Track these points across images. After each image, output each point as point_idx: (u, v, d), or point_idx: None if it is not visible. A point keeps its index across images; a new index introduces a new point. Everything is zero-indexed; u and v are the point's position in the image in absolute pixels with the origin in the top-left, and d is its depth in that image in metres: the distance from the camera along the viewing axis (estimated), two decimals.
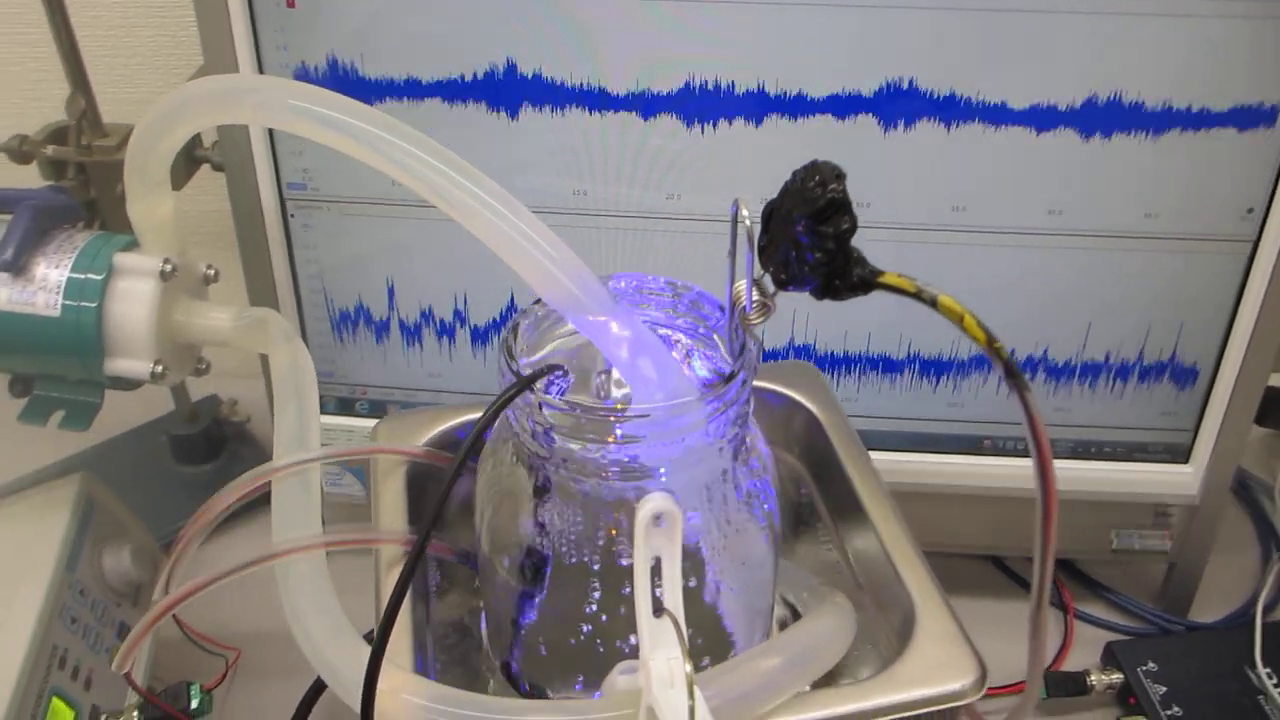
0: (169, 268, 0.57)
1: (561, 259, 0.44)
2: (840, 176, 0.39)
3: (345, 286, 0.70)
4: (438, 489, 0.43)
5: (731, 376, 0.43)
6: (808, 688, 0.44)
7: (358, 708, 0.41)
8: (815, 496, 0.58)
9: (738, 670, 0.42)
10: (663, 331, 0.48)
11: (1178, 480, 0.71)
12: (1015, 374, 0.40)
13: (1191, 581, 0.74)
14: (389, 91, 0.63)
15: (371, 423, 0.60)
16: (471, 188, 0.44)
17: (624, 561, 0.43)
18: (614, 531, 0.43)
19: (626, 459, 0.42)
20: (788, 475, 0.60)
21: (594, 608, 0.44)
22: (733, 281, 0.43)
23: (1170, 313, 0.67)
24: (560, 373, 0.45)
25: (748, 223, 0.40)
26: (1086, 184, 0.63)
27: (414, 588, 0.50)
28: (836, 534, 0.56)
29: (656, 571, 0.39)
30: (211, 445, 0.87)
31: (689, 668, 0.38)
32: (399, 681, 0.42)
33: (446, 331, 0.71)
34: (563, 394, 0.46)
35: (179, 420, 0.87)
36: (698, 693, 0.37)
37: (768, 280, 0.42)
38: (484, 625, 0.52)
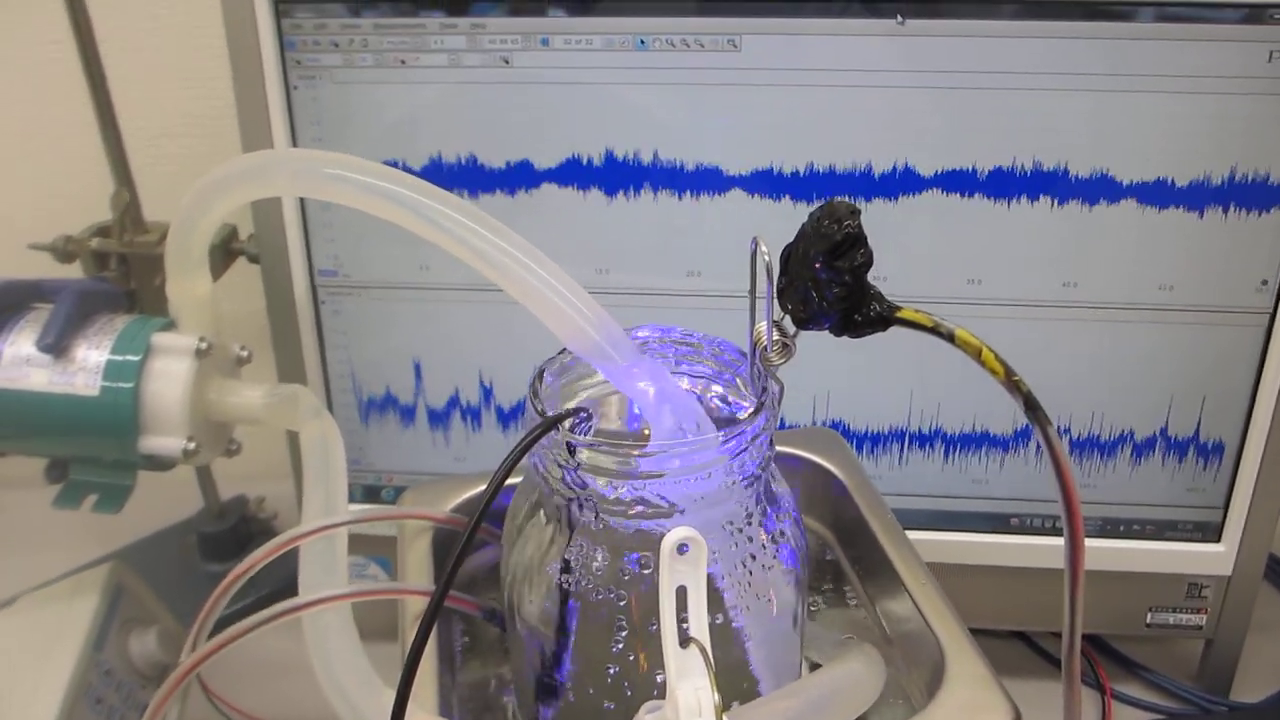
0: (204, 345, 0.59)
1: (586, 308, 0.45)
2: (855, 213, 0.41)
3: (372, 372, 0.72)
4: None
5: (756, 411, 0.43)
6: None
7: None
8: (840, 558, 0.58)
9: (765, 707, 0.42)
10: (685, 382, 0.48)
11: (1210, 559, 0.69)
12: (1035, 407, 0.40)
13: (1231, 660, 0.72)
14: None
15: None
16: (498, 241, 0.45)
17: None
18: (640, 570, 0.43)
19: (652, 497, 0.43)
20: (812, 540, 0.59)
21: (620, 646, 0.43)
22: (753, 323, 0.44)
23: (1191, 387, 0.67)
24: (584, 415, 0.45)
25: (767, 258, 0.41)
26: (1101, 257, 0.64)
27: (440, 646, 0.50)
28: (863, 593, 0.56)
29: (682, 602, 0.39)
30: (239, 542, 0.88)
31: (717, 697, 0.37)
32: None
33: (472, 415, 0.72)
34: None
35: (208, 518, 0.88)
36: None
37: (788, 321, 0.43)
38: (510, 687, 0.52)
